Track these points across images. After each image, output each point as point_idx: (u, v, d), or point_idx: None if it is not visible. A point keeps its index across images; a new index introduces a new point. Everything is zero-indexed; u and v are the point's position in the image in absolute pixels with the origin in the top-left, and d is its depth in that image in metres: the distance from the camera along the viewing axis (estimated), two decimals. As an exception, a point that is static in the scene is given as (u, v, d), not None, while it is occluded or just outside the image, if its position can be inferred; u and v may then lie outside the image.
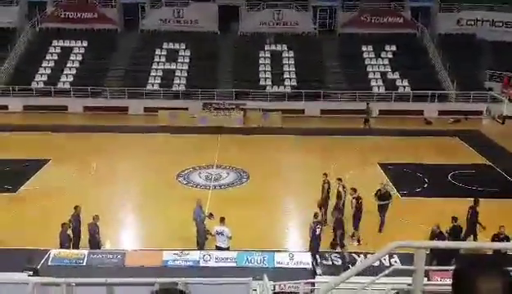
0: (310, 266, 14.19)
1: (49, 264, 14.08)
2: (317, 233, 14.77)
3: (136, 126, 31.01)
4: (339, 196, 17.11)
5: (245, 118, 32.19)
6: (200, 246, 15.04)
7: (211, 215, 15.59)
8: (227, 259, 14.30)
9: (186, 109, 33.13)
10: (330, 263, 14.98)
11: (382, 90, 35.03)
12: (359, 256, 15.17)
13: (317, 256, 14.75)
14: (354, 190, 16.70)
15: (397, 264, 13.83)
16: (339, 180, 17.62)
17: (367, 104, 31.67)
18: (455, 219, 15.02)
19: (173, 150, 26.46)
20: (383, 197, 17.13)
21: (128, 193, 21.10)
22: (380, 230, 16.89)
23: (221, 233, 14.52)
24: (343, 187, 17.30)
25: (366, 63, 36.97)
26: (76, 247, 14.68)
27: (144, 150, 26.45)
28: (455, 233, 14.69)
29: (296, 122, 32.10)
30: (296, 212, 19.02)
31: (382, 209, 17.00)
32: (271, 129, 30.37)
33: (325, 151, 26.44)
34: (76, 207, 14.96)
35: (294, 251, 15.51)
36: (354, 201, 16.54)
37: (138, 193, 21.14)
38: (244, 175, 22.64)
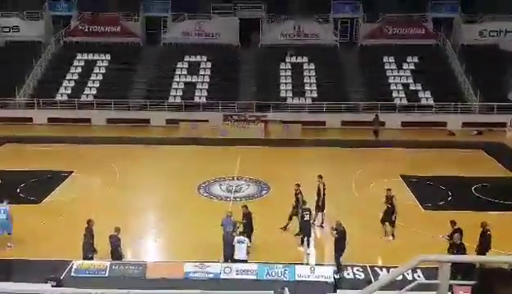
0: (331, 280, 14.06)
1: (72, 274, 14.22)
2: (305, 218, 16.26)
3: (157, 138, 31.30)
4: (318, 193, 18.20)
5: (266, 129, 32.26)
6: (226, 258, 15.03)
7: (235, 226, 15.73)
8: (248, 271, 14.26)
9: (207, 120, 33.37)
10: (352, 276, 14.83)
11: (404, 101, 34.79)
12: (382, 270, 14.98)
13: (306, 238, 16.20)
14: (389, 190, 17.51)
15: (421, 278, 13.62)
16: (320, 177, 18.47)
17: (376, 115, 31.65)
18: (453, 222, 15.03)
19: (194, 162, 26.62)
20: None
21: (149, 205, 21.25)
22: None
23: (241, 242, 14.55)
24: (323, 185, 18.25)
25: (388, 74, 36.80)
26: (91, 259, 14.78)
27: (165, 162, 26.67)
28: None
29: (317, 134, 32.06)
30: (319, 229, 18.88)
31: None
32: (291, 141, 30.34)
33: (345, 163, 26.32)
34: (89, 221, 15.03)
35: (316, 264, 15.41)
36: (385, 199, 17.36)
37: (159, 205, 21.27)
38: (265, 187, 22.62)
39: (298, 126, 32.19)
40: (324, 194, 18.42)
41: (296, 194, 17.79)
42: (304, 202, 16.90)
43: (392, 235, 17.28)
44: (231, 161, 26.32)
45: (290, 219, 17.72)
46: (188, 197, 21.60)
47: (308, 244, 16.53)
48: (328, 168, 25.17)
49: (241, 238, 14.70)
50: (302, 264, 15.30)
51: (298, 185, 17.98)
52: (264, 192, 22.23)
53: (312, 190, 18.63)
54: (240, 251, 14.55)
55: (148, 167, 26.04)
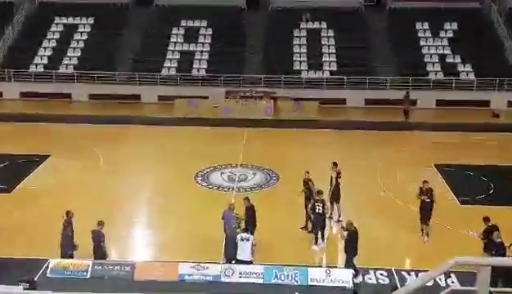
0: (350, 285, 14.12)
1: (48, 275, 14.35)
2: (317, 210, 16.44)
3: (149, 118, 31.33)
4: (331, 183, 18.44)
5: (276, 108, 32.19)
6: (228, 259, 15.10)
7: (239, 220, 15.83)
8: (253, 274, 14.33)
9: (207, 97, 33.34)
10: (375, 281, 14.89)
11: (440, 76, 34.57)
12: (409, 275, 15.02)
13: (320, 233, 16.55)
14: (425, 183, 17.43)
15: (455, 284, 13.65)
16: (334, 165, 18.61)
17: (406, 92, 31.55)
18: (487, 219, 15.12)
19: (191, 146, 26.66)
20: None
21: (138, 196, 21.35)
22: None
23: (246, 240, 14.60)
24: (337, 173, 18.33)
25: (421, 43, 36.53)
26: (70, 258, 14.91)
27: (158, 145, 26.75)
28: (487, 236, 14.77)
29: (336, 114, 31.95)
30: (336, 223, 18.92)
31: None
32: (305, 122, 30.28)
33: (369, 149, 26.27)
34: (68, 213, 15.09)
35: (332, 266, 15.46)
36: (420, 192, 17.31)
37: (150, 196, 21.39)
38: (274, 176, 22.65)
39: (314, 105, 32.10)
40: (338, 184, 18.46)
41: (306, 183, 17.82)
42: (319, 193, 16.91)
43: (427, 234, 17.30)
44: (235, 145, 26.30)
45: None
46: (184, 187, 21.68)
47: (323, 238, 16.71)
48: (348, 154, 25.13)
49: (246, 235, 14.75)
50: (316, 266, 15.35)
51: (308, 173, 18.02)
52: (272, 181, 22.27)
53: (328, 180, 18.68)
54: (244, 251, 14.60)
55: (137, 151, 26.12)
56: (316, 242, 16.69)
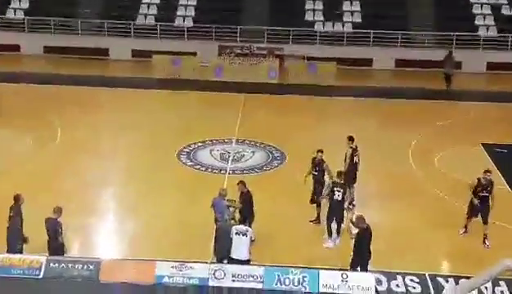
0: (372, 292, 14.20)
1: (-9, 274, 14.43)
2: (336, 197, 16.62)
3: (120, 78, 31.30)
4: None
5: (282, 69, 32.16)
6: (220, 256, 15.17)
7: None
8: (250, 277, 14.35)
9: (195, 53, 33.30)
10: (403, 289, 14.98)
11: (493, 33, 34.56)
12: (447, 281, 15.11)
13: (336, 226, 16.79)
14: (487, 173, 17.21)
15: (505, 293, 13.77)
16: (350, 139, 18.84)
17: (449, 52, 31.56)
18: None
19: (174, 115, 26.68)
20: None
21: (106, 177, 21.36)
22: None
23: (243, 234, 14.65)
24: (353, 150, 18.64)
25: (469, -10, 36.40)
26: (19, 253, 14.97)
27: (131, 114, 26.76)
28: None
29: (358, 78, 31.91)
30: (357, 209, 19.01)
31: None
32: (319, 88, 30.24)
33: (400, 122, 26.31)
34: (17, 198, 15.08)
35: (349, 269, 15.56)
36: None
37: (121, 178, 21.43)
38: (278, 156, 22.69)
39: (331, 66, 32.07)
40: (354, 163, 18.59)
41: (317, 164, 17.89)
42: (339, 174, 17.04)
43: (465, 227, 17.39)
44: (229, 115, 26.33)
45: (318, 203, 17.94)
46: (164, 167, 21.71)
47: (338, 232, 16.86)
48: (372, 129, 25.20)
49: (243, 227, 14.76)
50: (328, 268, 15.42)
51: (322, 152, 18.07)
52: (276, 162, 22.30)
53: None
54: (239, 248, 14.61)
55: (104, 120, 26.13)
56: (330, 236, 16.80)
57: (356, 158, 18.71)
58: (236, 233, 14.70)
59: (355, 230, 15.01)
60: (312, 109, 28.12)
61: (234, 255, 14.67)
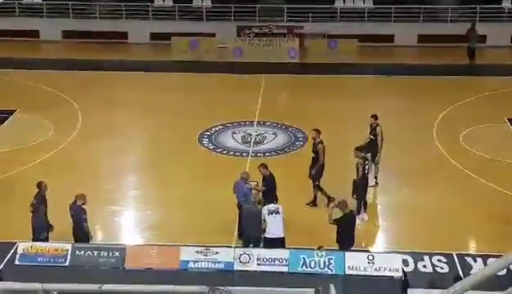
0: (400, 274, 14.18)
1: (16, 262, 14.55)
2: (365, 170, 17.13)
3: (138, 62, 31.31)
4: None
5: (302, 49, 32.01)
6: (247, 239, 15.26)
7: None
8: (276, 261, 14.37)
9: (213, 35, 33.21)
10: (431, 269, 14.98)
11: (517, 4, 34.13)
12: (475, 261, 15.08)
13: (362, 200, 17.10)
14: None
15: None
16: (374, 118, 18.87)
17: (472, 24, 31.21)
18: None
19: (194, 98, 26.70)
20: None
21: (128, 162, 21.53)
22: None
23: (276, 213, 14.76)
24: (373, 129, 18.66)
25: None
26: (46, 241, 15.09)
27: (150, 97, 26.82)
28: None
29: (380, 55, 31.71)
30: (379, 193, 19.02)
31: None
32: (341, 66, 30.13)
33: (423, 99, 26.16)
34: (40, 185, 15.21)
35: (376, 250, 15.56)
36: None
37: (143, 163, 21.53)
38: (300, 137, 22.66)
39: (352, 43, 31.95)
40: (376, 139, 18.64)
41: (316, 144, 17.96)
42: (359, 149, 17.29)
43: None
44: (250, 97, 26.35)
45: (319, 187, 18.01)
46: (185, 151, 21.81)
47: (365, 207, 17.25)
48: (396, 107, 25.05)
49: (274, 206, 14.87)
50: (354, 250, 15.43)
51: (316, 131, 18.09)
52: (299, 143, 22.29)
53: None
54: (275, 226, 14.72)
55: (125, 105, 26.16)
56: (358, 213, 16.84)
57: (378, 137, 18.73)
58: (270, 213, 14.81)
59: (332, 212, 14.88)
60: (333, 87, 28.04)
61: (270, 234, 14.77)
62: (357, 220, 16.55)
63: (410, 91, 27.23)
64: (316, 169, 17.80)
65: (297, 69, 30.32)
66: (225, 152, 21.72)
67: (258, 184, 16.46)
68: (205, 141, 22.45)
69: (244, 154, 21.42)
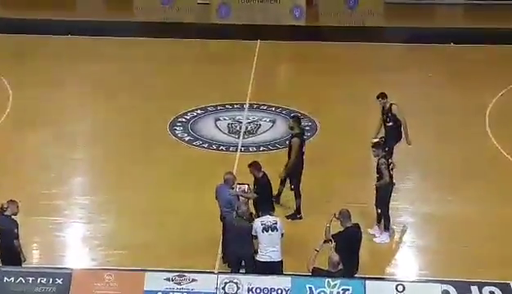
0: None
1: None
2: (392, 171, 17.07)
3: (91, 22, 31.32)
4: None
5: (311, 6, 32.13)
6: (235, 261, 15.27)
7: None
8: (273, 291, 14.46)
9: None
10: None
11: None
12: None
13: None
14: None
15: None
16: (382, 96, 19.41)
17: None
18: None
19: (164, 72, 26.80)
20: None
21: (75, 158, 21.51)
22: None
23: (272, 229, 14.73)
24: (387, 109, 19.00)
25: None
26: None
27: (105, 71, 26.87)
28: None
29: (414, 17, 31.81)
30: (403, 194, 19.07)
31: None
32: (362, 31, 30.31)
33: (472, 76, 26.30)
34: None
35: (407, 279, 15.64)
36: None
37: (95, 159, 21.53)
38: (307, 124, 22.60)
39: (378, 1, 32.15)
40: (395, 125, 18.79)
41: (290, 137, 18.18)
42: (377, 145, 17.34)
43: None
44: (239, 71, 26.44)
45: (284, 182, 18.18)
46: (152, 143, 21.79)
47: (388, 224, 17.20)
48: (435, 86, 25.12)
49: (270, 219, 14.77)
50: (377, 277, 15.50)
51: (294, 118, 18.32)
52: (306, 134, 22.28)
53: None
54: (270, 247, 14.69)
55: (71, 81, 26.19)
56: (378, 222, 17.05)
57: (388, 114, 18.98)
58: (264, 229, 14.76)
59: (329, 229, 14.90)
60: (351, 60, 28.12)
61: (263, 257, 14.76)
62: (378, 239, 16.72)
63: (455, 66, 27.35)
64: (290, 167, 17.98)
65: (303, 35, 30.37)
66: (205, 145, 21.75)
67: (249, 189, 16.49)
68: (179, 131, 22.51)
69: (231, 148, 21.48)
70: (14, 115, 23.39)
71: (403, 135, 18.90)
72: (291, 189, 17.99)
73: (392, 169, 17.21)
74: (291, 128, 18.32)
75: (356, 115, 22.09)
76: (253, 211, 15.76)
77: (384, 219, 17.18)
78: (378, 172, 16.98)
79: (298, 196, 17.98)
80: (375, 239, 17.00)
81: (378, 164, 17.02)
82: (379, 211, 17.14)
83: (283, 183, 18.19)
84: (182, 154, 21.34)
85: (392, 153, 18.45)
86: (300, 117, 18.15)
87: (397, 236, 17.47)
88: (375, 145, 17.25)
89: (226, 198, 15.82)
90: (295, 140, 17.90)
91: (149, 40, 29.86)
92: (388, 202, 17.23)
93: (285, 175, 17.97)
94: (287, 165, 17.94)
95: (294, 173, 17.96)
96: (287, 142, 18.32)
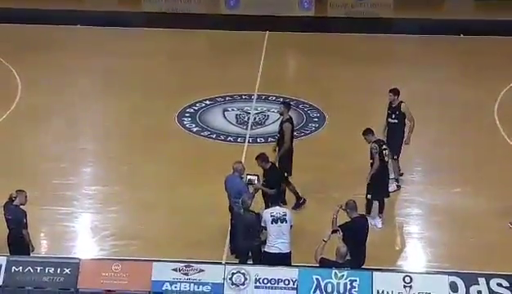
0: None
1: None
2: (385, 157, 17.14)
3: (99, 12, 31.38)
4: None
5: (319, -3, 32.15)
6: (243, 252, 15.33)
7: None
8: (280, 283, 14.43)
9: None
10: (487, 296, 15.11)
11: None
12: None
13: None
14: None
15: None
16: (394, 92, 18.95)
17: None
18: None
19: (172, 63, 26.87)
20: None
21: (83, 150, 21.53)
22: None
23: (281, 221, 14.78)
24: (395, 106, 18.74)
25: None
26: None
27: (113, 63, 26.89)
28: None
29: (426, 8, 31.76)
30: (411, 186, 19.15)
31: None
32: (372, 22, 30.28)
33: (483, 67, 26.25)
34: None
35: (414, 270, 15.70)
36: None
37: (104, 150, 21.65)
38: (315, 116, 22.77)
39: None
40: (401, 122, 18.70)
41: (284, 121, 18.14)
42: (367, 132, 17.36)
43: None
44: (248, 62, 26.45)
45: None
46: (160, 134, 21.86)
47: (382, 209, 17.40)
48: (445, 78, 25.06)
49: (279, 211, 14.76)
50: (384, 269, 15.51)
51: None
52: (313, 125, 22.38)
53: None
54: (279, 238, 14.72)
55: (79, 70, 26.26)
56: (381, 212, 17.10)
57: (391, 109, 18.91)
58: (273, 221, 14.79)
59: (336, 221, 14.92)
60: (361, 52, 28.07)
61: (272, 248, 14.78)
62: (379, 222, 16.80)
63: (466, 57, 27.36)
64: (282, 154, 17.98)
65: (312, 26, 30.39)
66: (213, 136, 21.83)
67: (258, 180, 16.51)
68: (187, 121, 22.55)
69: (239, 139, 21.54)
70: (24, 106, 23.47)
71: (403, 135, 18.81)
72: (285, 178, 17.92)
73: (387, 157, 17.26)
74: (281, 114, 18.45)
75: (364, 107, 22.08)
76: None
77: (378, 205, 17.29)
78: (371, 157, 17.12)
79: (288, 183, 17.98)
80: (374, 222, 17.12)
81: (370, 150, 17.14)
82: (369, 196, 17.17)
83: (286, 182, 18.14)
84: (190, 145, 21.41)
85: (399, 148, 18.60)
86: (290, 103, 18.09)
87: (404, 228, 17.52)
88: (365, 132, 17.29)
89: (236, 188, 15.78)
90: (287, 126, 18.04)
91: (157, 31, 29.86)
92: (382, 187, 17.28)
93: (278, 160, 17.81)
94: (279, 150, 18.01)
95: (286, 159, 17.97)
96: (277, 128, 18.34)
